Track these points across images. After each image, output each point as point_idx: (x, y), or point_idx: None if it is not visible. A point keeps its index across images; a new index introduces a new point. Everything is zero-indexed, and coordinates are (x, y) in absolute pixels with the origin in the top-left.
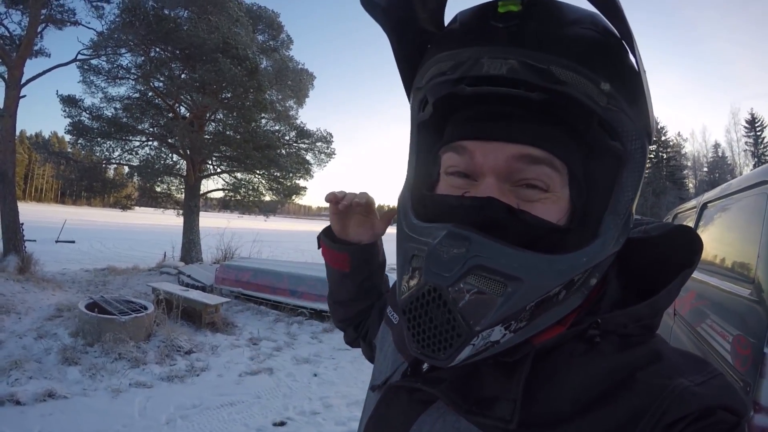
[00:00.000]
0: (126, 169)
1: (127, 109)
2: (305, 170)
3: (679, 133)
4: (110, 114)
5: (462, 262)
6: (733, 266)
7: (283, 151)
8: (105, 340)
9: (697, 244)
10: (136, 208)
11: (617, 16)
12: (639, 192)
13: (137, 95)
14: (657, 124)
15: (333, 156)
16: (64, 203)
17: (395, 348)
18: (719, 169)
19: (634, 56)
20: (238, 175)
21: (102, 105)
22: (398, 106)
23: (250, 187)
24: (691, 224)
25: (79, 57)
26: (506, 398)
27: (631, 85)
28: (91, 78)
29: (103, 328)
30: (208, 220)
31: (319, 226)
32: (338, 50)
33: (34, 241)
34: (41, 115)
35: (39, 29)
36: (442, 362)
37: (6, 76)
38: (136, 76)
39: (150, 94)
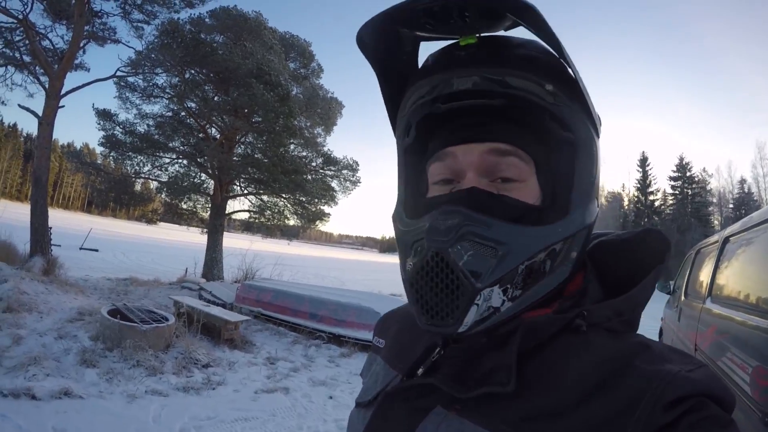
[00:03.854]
0: (154, 184)
1: (160, 126)
2: (330, 197)
3: (704, 168)
4: (143, 130)
5: (457, 228)
6: (755, 300)
7: (310, 177)
8: (124, 347)
9: (666, 243)
10: (161, 223)
11: (550, 37)
12: (597, 178)
13: (170, 114)
14: (600, 121)
15: (358, 184)
16: (90, 212)
17: (385, 365)
18: (745, 205)
19: (570, 68)
20: (264, 197)
21: (135, 121)
22: None
23: (276, 210)
24: (713, 260)
25: (118, 73)
26: (501, 367)
27: (569, 86)
28: (127, 94)
29: (123, 334)
30: (230, 241)
31: (340, 253)
32: (368, 81)
33: (59, 246)
34: (74, 126)
35: (81, 44)
36: (451, 328)
37: (47, 86)
38: (170, 96)
39: (183, 113)
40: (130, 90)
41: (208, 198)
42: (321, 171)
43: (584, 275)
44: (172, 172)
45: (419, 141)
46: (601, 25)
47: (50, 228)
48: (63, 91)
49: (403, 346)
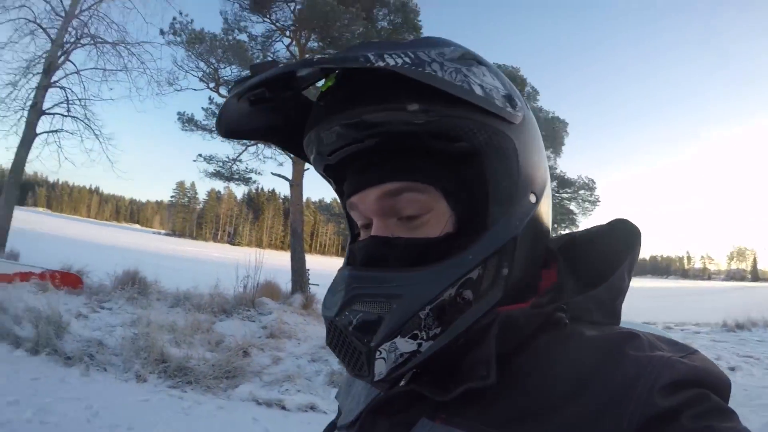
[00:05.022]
0: None
1: None
2: (570, 220)
3: None
4: None
5: (342, 296)
6: None
7: None
8: None
9: (636, 231)
10: None
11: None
12: (524, 172)
13: None
14: (511, 102)
15: (597, 203)
16: (343, 257)
17: (366, 385)
18: None
19: (429, 80)
20: None
21: None
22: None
23: None
24: None
25: None
26: (479, 361)
27: (442, 91)
28: None
29: None
30: None
31: None
32: (591, 88)
33: (317, 285)
34: (323, 184)
35: None
36: (367, 379)
37: (292, 155)
38: None
39: None
40: None
41: None
42: (557, 195)
43: (557, 271)
44: None
45: (339, 188)
46: None
47: (308, 270)
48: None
49: None
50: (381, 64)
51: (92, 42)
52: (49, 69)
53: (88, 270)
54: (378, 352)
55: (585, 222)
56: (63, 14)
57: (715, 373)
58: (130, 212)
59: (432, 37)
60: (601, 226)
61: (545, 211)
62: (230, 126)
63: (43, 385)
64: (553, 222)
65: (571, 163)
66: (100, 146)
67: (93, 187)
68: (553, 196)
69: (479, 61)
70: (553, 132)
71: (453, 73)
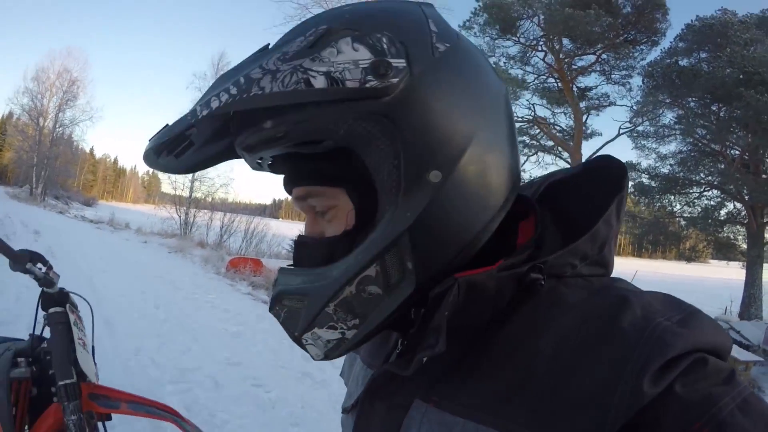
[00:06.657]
0: (682, 221)
1: (682, 163)
2: None
3: None
4: (666, 171)
5: (276, 293)
6: None
7: None
8: None
9: (622, 168)
10: (711, 261)
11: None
12: (405, 156)
13: (688, 148)
14: (381, 70)
15: None
16: (640, 257)
17: (363, 366)
18: None
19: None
20: None
21: (656, 164)
22: None
23: None
24: None
25: (621, 131)
26: (432, 329)
27: (288, 103)
28: (642, 143)
29: None
30: None
31: None
32: None
33: None
34: None
35: (584, 119)
36: (314, 359)
37: (569, 159)
38: (679, 131)
39: (700, 144)
40: (643, 137)
41: (744, 227)
42: None
43: (535, 222)
44: (702, 206)
45: None
46: None
47: None
48: (584, 158)
49: (377, 343)
50: (205, 112)
51: None
52: None
53: None
54: (304, 340)
55: None
56: None
57: (712, 335)
58: None
59: (296, 28)
60: (581, 165)
61: (486, 172)
62: (177, 170)
63: None
64: None
65: None
66: None
67: None
68: None
69: (342, 36)
70: None
71: (288, 76)
